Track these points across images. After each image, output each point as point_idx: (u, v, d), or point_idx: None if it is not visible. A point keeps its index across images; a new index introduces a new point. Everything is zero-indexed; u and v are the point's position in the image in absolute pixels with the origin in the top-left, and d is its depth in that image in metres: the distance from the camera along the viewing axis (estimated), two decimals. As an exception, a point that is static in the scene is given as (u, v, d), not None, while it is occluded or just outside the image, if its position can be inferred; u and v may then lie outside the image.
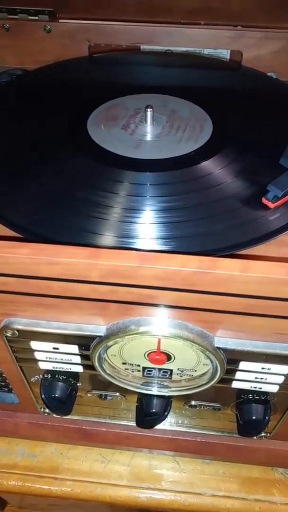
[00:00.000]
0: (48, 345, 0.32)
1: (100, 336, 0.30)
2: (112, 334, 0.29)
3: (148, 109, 0.43)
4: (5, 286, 0.27)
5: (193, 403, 0.38)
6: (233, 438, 0.42)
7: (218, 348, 0.30)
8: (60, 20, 0.57)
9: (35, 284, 0.27)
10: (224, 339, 0.30)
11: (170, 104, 0.47)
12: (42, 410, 0.42)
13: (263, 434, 0.40)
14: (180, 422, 0.42)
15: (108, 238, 0.33)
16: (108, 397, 0.39)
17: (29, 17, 0.57)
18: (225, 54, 0.58)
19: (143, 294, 0.27)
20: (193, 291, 0.26)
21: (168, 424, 0.42)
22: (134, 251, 0.25)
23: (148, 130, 0.43)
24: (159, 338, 0.30)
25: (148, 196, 0.36)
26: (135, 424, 0.39)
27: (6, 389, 0.41)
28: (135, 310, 0.28)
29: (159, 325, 0.29)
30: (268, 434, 0.40)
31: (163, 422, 0.38)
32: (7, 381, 0.39)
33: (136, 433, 0.43)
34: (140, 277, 0.25)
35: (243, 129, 0.44)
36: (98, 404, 0.40)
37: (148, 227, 0.34)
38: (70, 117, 0.45)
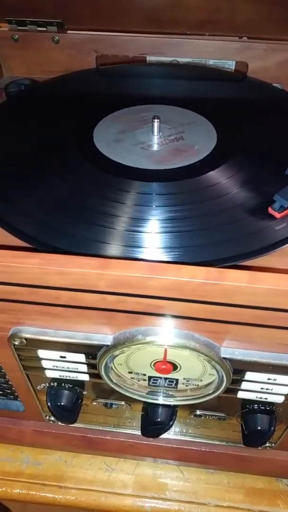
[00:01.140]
0: (55, 354, 0.32)
1: (107, 345, 0.30)
2: (119, 344, 0.30)
3: (155, 120, 0.43)
4: (14, 295, 0.28)
5: (198, 412, 0.38)
6: (238, 448, 0.41)
7: (225, 358, 0.30)
8: (69, 32, 0.58)
9: (44, 294, 0.27)
10: (231, 350, 0.30)
11: (176, 115, 0.48)
12: (47, 418, 0.42)
13: (268, 444, 0.40)
14: (184, 431, 0.42)
15: (116, 247, 0.33)
16: (113, 405, 0.39)
17: (38, 29, 0.58)
18: (230, 65, 0.59)
19: (151, 304, 0.27)
20: (201, 302, 0.26)
21: (172, 433, 0.42)
22: (143, 262, 0.25)
23: (155, 140, 0.44)
24: (165, 348, 0.30)
25: (154, 206, 0.36)
26: (139, 433, 0.39)
27: (11, 396, 0.41)
28: (142, 320, 0.29)
29: (166, 335, 0.29)
30: (273, 445, 0.40)
31: (168, 431, 0.38)
32: (13, 388, 0.39)
33: (141, 442, 0.43)
34: (149, 288, 0.26)
35: (248, 140, 0.44)
36: (103, 412, 0.40)
37: (154, 237, 0.34)
38: (77, 127, 0.46)
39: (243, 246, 0.34)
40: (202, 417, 0.38)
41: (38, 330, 0.31)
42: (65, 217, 0.36)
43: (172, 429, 0.40)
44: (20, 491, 0.45)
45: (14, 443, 0.47)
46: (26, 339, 0.31)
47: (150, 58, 0.59)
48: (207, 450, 0.42)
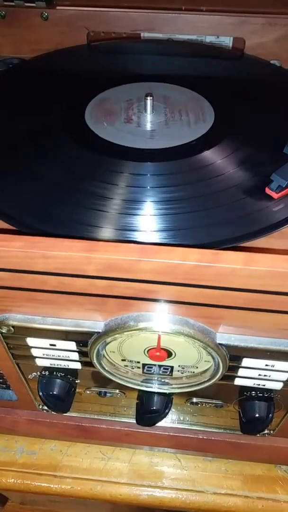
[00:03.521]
0: (45, 342, 0.31)
1: (98, 332, 0.29)
2: (110, 330, 0.28)
3: (148, 98, 0.42)
4: (-2, 280, 0.26)
5: (194, 400, 0.37)
6: (235, 436, 0.41)
7: (220, 344, 0.29)
8: (58, 7, 0.56)
9: (30, 279, 0.26)
10: (227, 335, 0.29)
11: (171, 93, 0.46)
12: (40, 407, 0.41)
13: (266, 431, 0.39)
14: (181, 419, 0.41)
15: (106, 230, 0.32)
16: (107, 394, 0.38)
17: (26, 4, 0.55)
18: (227, 42, 0.57)
19: (142, 288, 0.26)
20: (194, 286, 0.25)
21: (169, 421, 0.41)
22: (132, 244, 0.24)
23: (148, 119, 0.42)
24: (159, 334, 0.29)
25: (147, 187, 0.35)
26: (135, 422, 0.38)
27: (4, 386, 0.40)
28: (134, 305, 0.27)
29: (159, 321, 0.28)
30: (272, 432, 0.39)
31: (164, 419, 0.37)
32: (5, 378, 0.38)
33: (137, 430, 0.42)
34: (139, 271, 0.24)
35: (245, 118, 0.42)
36: (98, 401, 0.39)
37: (147, 219, 0.33)
38: (67, 106, 0.44)
39: (240, 228, 0.32)
40: (199, 405, 0.38)
41: (26, 317, 0.29)
42: (53, 198, 0.34)
43: (169, 417, 0.40)
44: (15, 481, 0.44)
45: (8, 432, 0.46)
46: (13, 326, 0.30)
47: (144, 35, 0.57)
48: (205, 437, 0.42)
